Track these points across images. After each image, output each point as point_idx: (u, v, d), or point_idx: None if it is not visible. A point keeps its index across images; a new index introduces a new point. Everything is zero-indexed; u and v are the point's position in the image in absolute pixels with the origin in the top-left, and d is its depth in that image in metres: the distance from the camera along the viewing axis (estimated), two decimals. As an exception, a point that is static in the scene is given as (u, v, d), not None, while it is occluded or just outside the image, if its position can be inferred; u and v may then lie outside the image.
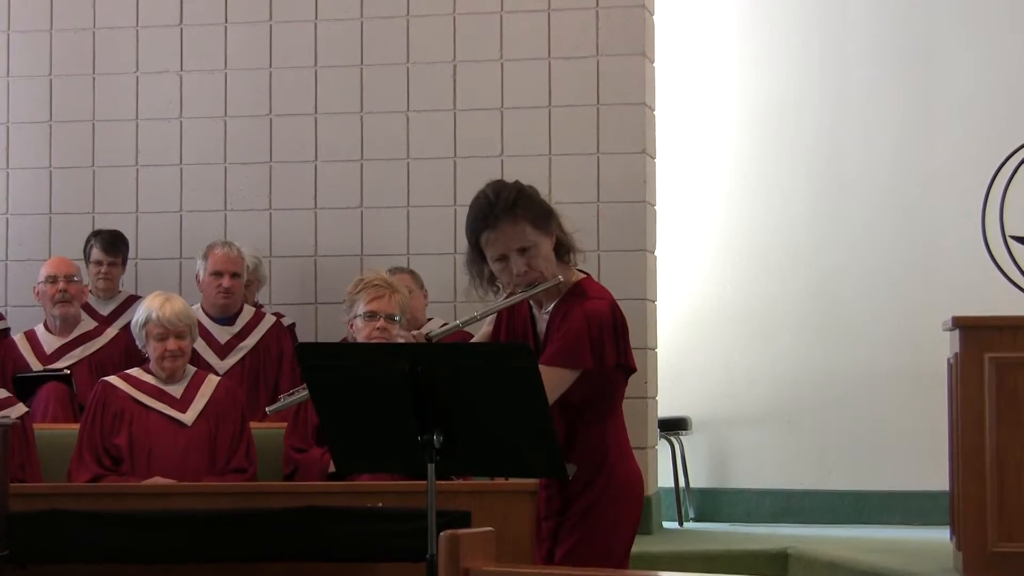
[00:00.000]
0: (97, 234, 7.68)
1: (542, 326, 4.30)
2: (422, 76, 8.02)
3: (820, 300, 8.76)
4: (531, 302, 4.34)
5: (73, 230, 7.99)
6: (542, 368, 4.11)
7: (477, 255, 4.26)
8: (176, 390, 6.21)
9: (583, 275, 4.35)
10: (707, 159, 9.00)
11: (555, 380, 4.10)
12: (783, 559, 7.11)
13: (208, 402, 6.18)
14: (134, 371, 6.31)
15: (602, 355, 4.18)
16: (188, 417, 6.15)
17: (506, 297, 4.28)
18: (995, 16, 8.63)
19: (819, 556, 6.96)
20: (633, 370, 4.30)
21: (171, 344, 6.12)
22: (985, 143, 8.08)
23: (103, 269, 7.61)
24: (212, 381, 6.28)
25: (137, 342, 6.28)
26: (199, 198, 8.15)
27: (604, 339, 4.18)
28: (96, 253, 7.61)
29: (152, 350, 6.16)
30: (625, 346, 4.25)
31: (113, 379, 6.26)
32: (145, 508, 5.44)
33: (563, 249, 4.30)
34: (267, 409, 4.47)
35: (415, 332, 4.28)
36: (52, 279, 7.23)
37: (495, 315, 4.40)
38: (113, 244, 7.63)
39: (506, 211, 4.18)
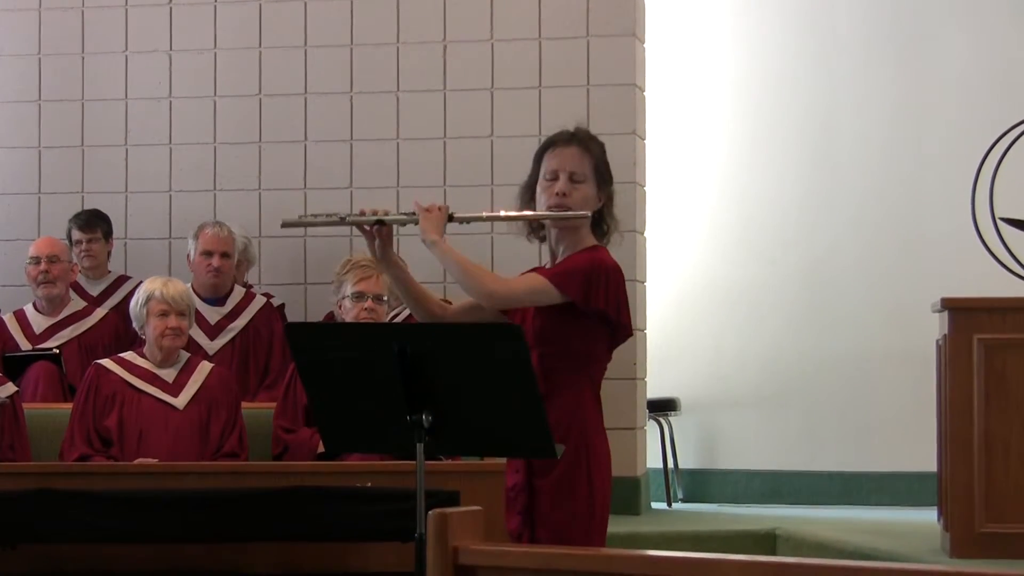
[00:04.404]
0: (75, 217, 7.71)
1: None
2: (412, 56, 8.01)
3: (810, 282, 8.77)
4: (550, 254, 4.41)
5: (62, 210, 7.97)
6: (531, 275, 4.30)
7: (533, 178, 4.40)
8: (169, 374, 6.22)
9: (602, 245, 4.43)
10: (698, 140, 9.00)
11: (535, 287, 4.26)
12: (771, 540, 7.13)
13: (201, 387, 6.20)
14: (127, 355, 6.32)
15: (593, 294, 4.24)
16: (180, 401, 6.16)
17: (534, 212, 4.38)
18: (987, -2, 8.65)
19: (807, 537, 6.98)
20: (626, 331, 4.34)
21: (172, 322, 6.15)
22: (977, 125, 8.08)
23: (84, 246, 7.62)
24: (205, 367, 6.30)
25: (135, 323, 6.29)
26: (188, 178, 8.13)
27: (598, 282, 4.25)
28: (75, 233, 7.65)
29: (152, 328, 6.17)
30: (623, 308, 4.30)
31: (106, 362, 6.27)
32: (135, 488, 5.44)
33: (602, 223, 4.42)
34: (282, 222, 4.52)
35: (440, 205, 4.32)
36: (35, 260, 7.24)
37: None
38: (88, 221, 7.66)
39: (581, 140, 4.41)
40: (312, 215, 4.49)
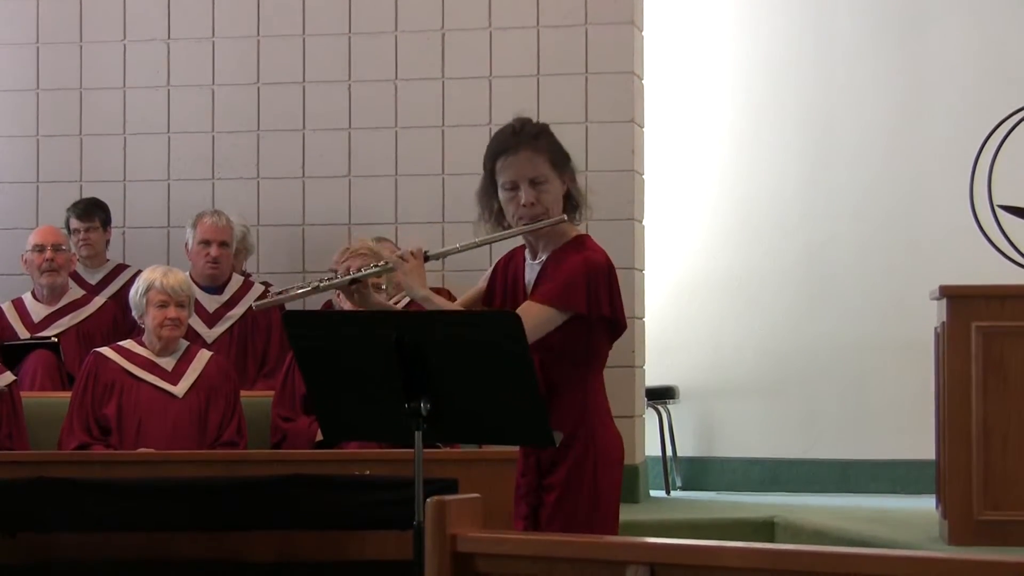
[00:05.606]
0: (73, 206, 7.70)
1: (531, 275, 4.29)
2: (411, 44, 8.00)
3: (809, 270, 8.77)
4: (526, 250, 4.34)
5: (60, 199, 7.96)
6: (530, 304, 4.16)
7: (490, 184, 4.27)
8: (168, 363, 6.22)
9: (584, 234, 4.35)
10: (696, 129, 8.99)
11: (541, 318, 4.12)
12: (769, 527, 7.14)
13: (200, 376, 6.20)
14: (126, 343, 6.33)
15: (596, 302, 4.17)
16: (179, 389, 6.17)
17: (507, 229, 4.28)
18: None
19: (805, 525, 6.99)
20: (622, 327, 4.28)
21: (171, 312, 6.16)
22: (975, 113, 8.08)
23: (82, 236, 7.62)
24: (204, 356, 6.30)
25: (134, 312, 6.29)
26: (187, 167, 8.13)
27: (599, 287, 4.18)
28: (73, 223, 7.65)
29: (151, 318, 6.17)
30: (617, 302, 4.25)
31: (105, 350, 6.28)
32: (133, 477, 5.45)
33: (572, 204, 4.31)
34: (253, 305, 4.50)
35: (412, 250, 4.25)
36: (39, 248, 7.23)
37: (491, 271, 4.42)
38: (87, 210, 7.65)
39: (528, 140, 4.24)
40: (285, 290, 4.45)
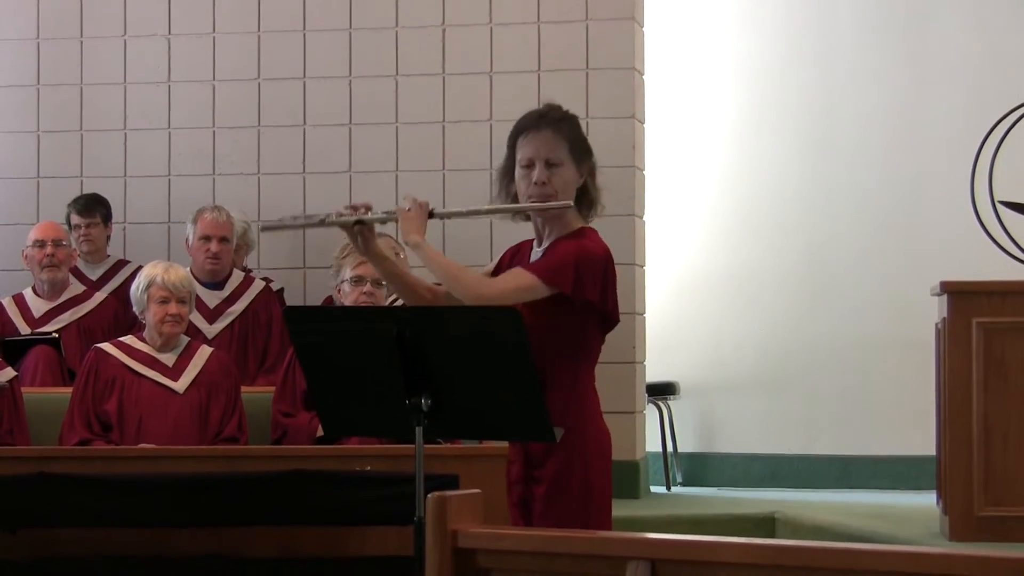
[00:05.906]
0: (74, 201, 7.70)
1: (533, 260, 4.31)
2: (411, 40, 8.00)
3: (810, 267, 8.77)
4: (534, 241, 4.36)
5: (61, 194, 7.97)
6: (518, 270, 4.21)
7: (510, 163, 4.33)
8: (169, 358, 6.22)
9: (589, 227, 4.37)
10: (697, 124, 8.99)
11: (522, 284, 4.17)
12: (770, 523, 7.14)
13: (200, 372, 6.20)
14: (127, 339, 6.33)
15: (582, 285, 4.18)
16: (180, 385, 6.17)
17: (515, 204, 4.32)
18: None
19: (806, 521, 6.99)
20: (614, 320, 4.30)
21: (172, 308, 6.16)
22: (976, 111, 8.08)
23: (83, 231, 7.62)
24: (205, 351, 6.30)
25: (135, 307, 6.29)
26: (187, 162, 8.13)
27: (589, 273, 4.20)
28: (74, 218, 7.66)
29: (152, 314, 6.17)
30: (610, 296, 4.26)
31: (106, 346, 6.28)
32: (134, 472, 5.45)
33: (585, 199, 4.35)
34: (260, 226, 4.53)
35: (420, 200, 4.27)
36: (40, 244, 7.23)
37: (498, 260, 4.44)
38: (87, 206, 7.65)
39: (552, 122, 4.30)
40: (292, 217, 4.46)
